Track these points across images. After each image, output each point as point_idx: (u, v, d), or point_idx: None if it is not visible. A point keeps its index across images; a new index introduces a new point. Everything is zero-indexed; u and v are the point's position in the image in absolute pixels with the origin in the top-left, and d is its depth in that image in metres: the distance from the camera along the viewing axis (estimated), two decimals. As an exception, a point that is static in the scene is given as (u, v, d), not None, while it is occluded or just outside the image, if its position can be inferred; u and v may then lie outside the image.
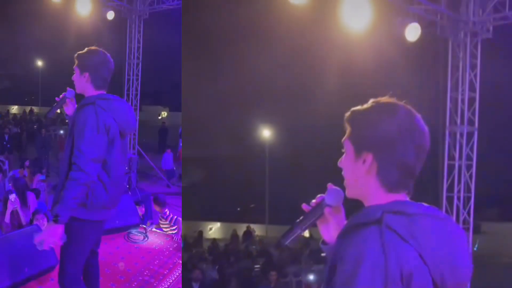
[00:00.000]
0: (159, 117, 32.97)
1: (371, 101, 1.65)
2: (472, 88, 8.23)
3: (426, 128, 1.58)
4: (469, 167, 8.38)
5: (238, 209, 23.37)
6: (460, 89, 8.25)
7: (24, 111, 26.01)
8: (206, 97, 19.59)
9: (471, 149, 8.34)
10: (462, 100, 8.22)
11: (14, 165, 13.67)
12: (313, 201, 1.78)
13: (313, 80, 18.89)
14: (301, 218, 1.76)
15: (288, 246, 9.70)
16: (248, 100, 20.64)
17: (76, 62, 3.50)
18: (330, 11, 7.00)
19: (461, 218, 8.37)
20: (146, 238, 7.01)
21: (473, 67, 8.14)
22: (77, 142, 3.26)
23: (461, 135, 8.34)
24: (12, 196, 6.62)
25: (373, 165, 1.56)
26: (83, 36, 16.01)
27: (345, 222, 1.68)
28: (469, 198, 8.39)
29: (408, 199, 1.58)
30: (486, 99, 8.34)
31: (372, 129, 1.57)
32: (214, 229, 21.70)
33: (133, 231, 7.13)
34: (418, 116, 1.59)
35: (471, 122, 8.34)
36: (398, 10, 7.25)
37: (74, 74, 3.53)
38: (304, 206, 1.79)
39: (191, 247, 14.16)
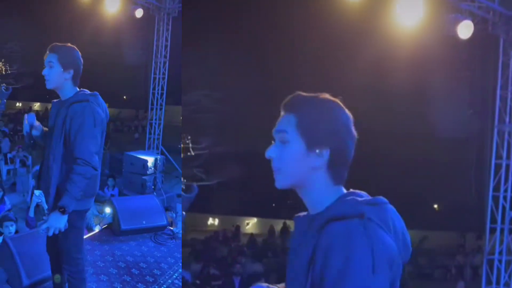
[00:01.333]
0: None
1: (309, 94, 1.65)
2: None
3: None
4: None
5: (273, 205, 23.52)
6: (510, 88, 8.00)
7: (46, 108, 26.11)
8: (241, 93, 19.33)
9: None
10: None
11: (37, 161, 13.58)
12: None
13: (360, 79, 18.84)
14: None
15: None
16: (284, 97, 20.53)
17: (59, 58, 3.56)
18: (381, 8, 6.77)
19: (507, 218, 8.12)
20: (174, 240, 6.73)
21: None
22: (78, 138, 3.46)
23: (510, 134, 8.11)
24: (37, 191, 6.39)
25: (327, 160, 1.58)
26: (110, 34, 15.97)
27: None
28: None
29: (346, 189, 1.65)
30: None
31: (330, 123, 1.59)
32: (251, 224, 21.75)
33: (160, 232, 6.87)
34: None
35: None
36: (450, 7, 7.07)
37: (52, 68, 3.57)
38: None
39: (230, 242, 13.98)
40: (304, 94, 1.65)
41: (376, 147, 21.33)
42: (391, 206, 1.60)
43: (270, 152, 1.64)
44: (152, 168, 11.28)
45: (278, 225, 17.79)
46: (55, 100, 3.86)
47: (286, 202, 23.39)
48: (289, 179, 1.63)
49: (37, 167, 10.20)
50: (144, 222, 6.88)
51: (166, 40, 13.55)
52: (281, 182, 1.65)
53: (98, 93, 3.77)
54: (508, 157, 8.13)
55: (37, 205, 6.48)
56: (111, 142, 17.20)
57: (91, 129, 3.49)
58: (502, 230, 8.10)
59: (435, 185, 20.88)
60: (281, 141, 1.62)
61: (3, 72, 28.74)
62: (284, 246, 13.22)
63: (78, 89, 3.70)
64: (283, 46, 19.53)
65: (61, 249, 3.80)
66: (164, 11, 13.33)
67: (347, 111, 1.63)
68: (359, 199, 1.56)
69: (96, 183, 3.74)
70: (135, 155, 11.97)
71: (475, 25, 7.12)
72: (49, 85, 3.64)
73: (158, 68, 13.55)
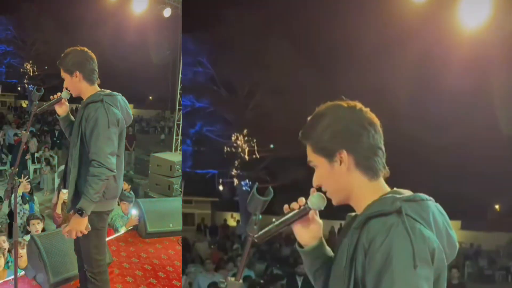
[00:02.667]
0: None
1: (314, 113, 1.73)
2: None
3: (365, 108, 1.70)
4: None
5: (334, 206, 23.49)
6: None
7: (72, 109, 26.13)
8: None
9: None
10: None
11: (62, 161, 13.55)
12: (295, 203, 1.78)
13: (422, 77, 18.75)
14: (281, 219, 1.78)
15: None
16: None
17: (61, 68, 3.61)
18: (444, 8, 6.52)
19: None
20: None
21: None
22: (92, 139, 3.43)
23: None
24: (65, 190, 6.33)
25: (350, 160, 1.65)
26: (137, 34, 15.94)
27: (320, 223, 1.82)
28: None
29: (386, 185, 1.69)
30: None
31: (331, 128, 1.66)
32: None
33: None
34: (356, 103, 1.71)
35: None
36: None
37: (65, 81, 3.63)
38: (285, 207, 1.80)
39: (292, 242, 14.20)
40: (309, 118, 1.75)
41: (438, 145, 21.24)
42: (432, 203, 1.62)
43: (314, 182, 1.75)
44: (179, 170, 11.14)
45: (338, 226, 17.76)
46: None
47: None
48: (336, 195, 1.72)
49: (62, 167, 10.17)
50: (171, 225, 6.76)
51: None
52: (333, 200, 1.73)
53: (117, 93, 3.72)
54: None
55: (64, 203, 6.42)
56: (136, 143, 17.15)
57: (105, 130, 3.43)
58: None
59: (496, 185, 20.89)
60: (315, 167, 1.74)
61: (31, 74, 29.12)
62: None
63: (98, 89, 3.67)
64: (345, 47, 19.52)
65: (82, 250, 3.77)
66: None
67: (350, 105, 1.69)
68: (398, 195, 1.59)
69: (118, 184, 3.68)
70: (162, 156, 11.83)
71: None
72: (74, 94, 3.71)
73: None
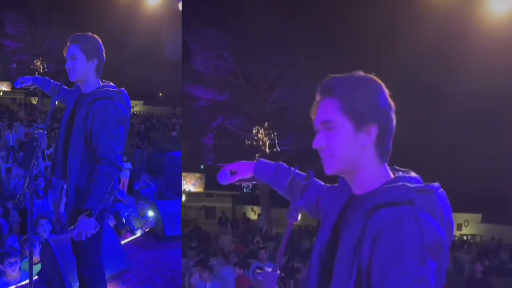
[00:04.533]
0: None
1: (343, 74, 1.61)
2: None
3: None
4: None
5: None
6: None
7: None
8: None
9: None
10: None
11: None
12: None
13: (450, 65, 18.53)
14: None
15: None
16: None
17: (80, 46, 3.36)
18: None
19: None
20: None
21: None
22: (101, 137, 3.29)
23: None
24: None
25: (374, 137, 1.56)
26: (151, 27, 15.62)
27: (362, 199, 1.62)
28: None
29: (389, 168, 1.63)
30: None
31: (372, 99, 1.56)
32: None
33: None
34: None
35: None
36: None
37: (75, 60, 3.35)
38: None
39: (312, 236, 14.38)
40: (337, 75, 1.62)
41: (459, 139, 21.03)
42: (441, 192, 1.57)
43: (318, 142, 1.60)
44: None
45: None
46: (67, 88, 3.73)
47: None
48: (340, 163, 1.60)
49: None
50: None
51: None
52: (332, 167, 1.60)
53: (123, 90, 3.55)
54: None
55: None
56: (148, 141, 16.86)
57: (114, 128, 3.32)
58: None
59: None
60: (327, 128, 1.59)
61: (41, 70, 28.92)
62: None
63: (101, 82, 3.51)
64: (369, 39, 19.28)
65: (80, 251, 3.62)
66: None
67: (382, 84, 1.60)
68: (410, 185, 1.52)
69: (115, 182, 3.55)
70: (178, 155, 11.50)
71: None
72: (73, 77, 3.41)
73: None
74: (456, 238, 19.97)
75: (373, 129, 1.56)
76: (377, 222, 1.47)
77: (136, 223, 7.17)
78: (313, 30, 19.28)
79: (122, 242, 5.82)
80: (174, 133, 22.00)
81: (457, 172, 20.87)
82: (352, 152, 1.58)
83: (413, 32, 17.64)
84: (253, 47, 19.00)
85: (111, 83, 3.53)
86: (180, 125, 21.51)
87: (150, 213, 7.08)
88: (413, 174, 1.64)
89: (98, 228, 3.33)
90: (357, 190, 1.64)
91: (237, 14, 19.27)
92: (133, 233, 6.97)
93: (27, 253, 4.96)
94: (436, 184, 1.59)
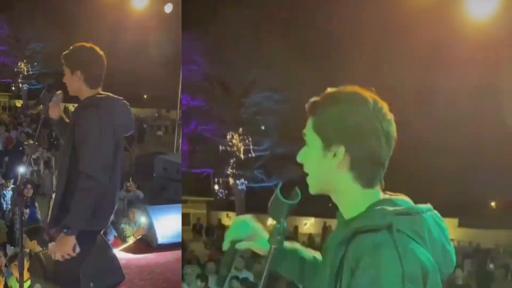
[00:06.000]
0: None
1: (331, 90, 1.53)
2: None
3: (392, 117, 1.50)
4: None
5: (330, 205, 23.90)
6: None
7: (67, 109, 25.75)
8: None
9: None
10: None
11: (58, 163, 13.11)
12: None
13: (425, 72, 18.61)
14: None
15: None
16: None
17: (64, 62, 3.28)
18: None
19: None
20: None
21: None
22: (82, 149, 3.11)
23: None
24: None
25: (346, 159, 1.46)
26: (138, 30, 15.55)
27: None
28: None
29: (383, 193, 1.51)
30: None
31: (342, 119, 1.45)
32: (308, 224, 22.18)
33: None
34: (385, 104, 1.50)
35: None
36: None
37: (65, 76, 3.30)
38: None
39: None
40: (327, 92, 1.54)
41: (437, 142, 21.09)
42: (430, 214, 1.47)
43: (299, 156, 1.56)
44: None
45: (334, 224, 18.02)
46: None
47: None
48: (316, 183, 1.54)
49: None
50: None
51: None
52: (311, 187, 1.55)
53: (118, 98, 3.36)
54: None
55: None
56: (135, 143, 16.73)
57: (96, 139, 3.09)
58: None
59: (494, 182, 20.81)
60: (306, 145, 1.55)
61: (25, 73, 28.63)
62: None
63: (99, 92, 3.30)
64: (345, 43, 19.35)
65: (65, 272, 3.39)
66: None
67: (376, 103, 1.47)
68: (389, 208, 1.42)
69: (111, 201, 3.34)
70: (168, 158, 11.33)
71: None
72: (70, 92, 3.35)
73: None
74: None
75: (340, 151, 1.46)
76: (354, 251, 1.39)
77: (127, 231, 7.10)
78: (288, 35, 19.28)
79: (114, 251, 5.74)
80: (159, 132, 22.08)
81: (434, 176, 21.09)
82: (324, 172, 1.51)
83: (392, 36, 17.76)
84: (226, 51, 18.96)
85: (110, 94, 3.34)
86: (166, 127, 21.52)
87: (142, 220, 7.01)
88: (402, 197, 1.52)
89: (78, 251, 3.10)
90: (345, 214, 1.55)
91: (211, 19, 19.18)
92: (124, 241, 6.90)
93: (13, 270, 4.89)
94: (425, 205, 1.49)
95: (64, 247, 3.05)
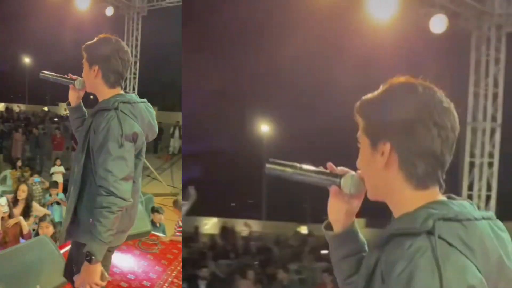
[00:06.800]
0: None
1: (383, 85, 1.41)
2: (495, 83, 7.93)
3: (451, 106, 1.33)
4: (490, 165, 8.08)
5: (233, 204, 23.55)
6: (482, 84, 7.95)
7: (7, 108, 25.33)
8: (205, 94, 19.56)
9: (493, 146, 8.05)
10: (485, 96, 7.93)
11: (3, 165, 13.36)
12: (333, 167, 1.54)
13: (329, 73, 18.82)
14: (306, 167, 1.53)
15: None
16: (247, 96, 20.66)
17: (84, 55, 2.86)
18: (354, 3, 6.76)
19: None
20: (159, 247, 6.58)
21: (496, 61, 7.84)
22: (100, 158, 2.71)
23: (483, 131, 8.03)
24: (3, 200, 5.99)
25: (393, 157, 1.33)
26: (79, 32, 15.66)
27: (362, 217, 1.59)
28: (489, 197, 8.11)
29: (440, 195, 1.34)
30: (511, 95, 8.07)
31: (386, 114, 1.34)
32: (210, 225, 21.13)
33: (145, 238, 6.73)
34: (441, 92, 1.34)
35: (493, 118, 8.04)
36: (423, 0, 7.04)
37: (84, 70, 2.89)
38: (329, 164, 1.55)
39: (189, 243, 14.15)
40: (378, 91, 1.42)
41: (347, 141, 21.54)
42: (487, 222, 1.30)
43: (357, 162, 1.48)
44: None
45: (239, 224, 17.78)
46: None
47: (247, 202, 23.69)
48: (370, 189, 1.46)
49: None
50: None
51: (136, 40, 13.53)
52: (368, 193, 1.48)
53: (140, 100, 2.96)
54: (482, 155, 8.07)
55: (3, 218, 6.08)
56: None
57: (115, 148, 2.69)
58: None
59: None
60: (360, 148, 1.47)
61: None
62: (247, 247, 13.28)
63: (118, 92, 2.90)
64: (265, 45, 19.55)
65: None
66: (134, 10, 13.31)
67: (427, 91, 1.33)
68: (434, 211, 1.27)
69: (130, 215, 2.98)
70: None
71: (448, 19, 7.13)
72: (87, 89, 3.01)
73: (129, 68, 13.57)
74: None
75: (385, 148, 1.34)
76: (388, 254, 1.27)
77: None
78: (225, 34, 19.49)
79: (62, 251, 5.91)
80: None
81: None
82: (375, 175, 1.40)
83: (292, 36, 18.05)
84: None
85: (132, 94, 2.97)
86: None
87: None
88: (464, 201, 1.35)
89: (108, 280, 2.87)
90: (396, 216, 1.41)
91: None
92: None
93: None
94: (480, 212, 1.31)
95: (91, 278, 2.73)
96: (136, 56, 13.49)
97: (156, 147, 17.81)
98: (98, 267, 2.72)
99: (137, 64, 13.55)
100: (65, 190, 11.70)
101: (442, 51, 8.03)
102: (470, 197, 8.02)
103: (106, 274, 2.82)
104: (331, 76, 18.51)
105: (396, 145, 1.32)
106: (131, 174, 2.76)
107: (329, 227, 1.61)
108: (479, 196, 8.11)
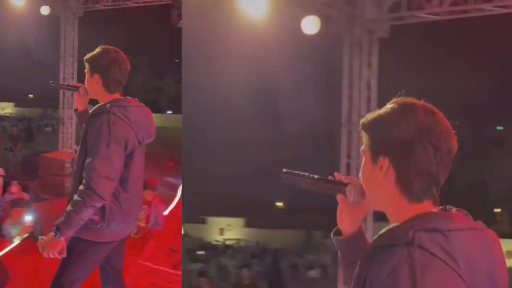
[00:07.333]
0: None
1: (388, 104, 1.51)
2: (368, 87, 8.07)
3: (449, 128, 1.44)
4: None
5: None
6: (356, 87, 8.07)
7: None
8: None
9: None
10: (359, 98, 8.04)
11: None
12: (340, 176, 1.68)
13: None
14: (316, 179, 1.69)
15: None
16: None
17: (86, 65, 3.26)
18: (225, 3, 6.81)
19: None
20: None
21: (369, 65, 8.00)
22: (89, 155, 3.00)
23: (359, 133, 7.99)
24: None
25: (391, 172, 1.45)
26: (17, 29, 15.66)
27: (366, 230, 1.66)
28: None
29: (434, 208, 1.44)
30: (384, 98, 8.26)
31: (387, 131, 1.45)
32: None
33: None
34: (440, 115, 1.45)
35: None
36: (295, 2, 7.10)
37: (86, 78, 3.29)
38: (336, 174, 1.69)
39: None
40: (383, 109, 1.52)
41: (219, 143, 20.90)
42: (471, 234, 1.36)
43: (359, 174, 1.58)
44: (70, 168, 11.02)
45: None
46: None
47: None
48: (370, 200, 1.56)
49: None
50: None
51: (73, 40, 13.57)
52: (368, 203, 1.58)
53: (135, 102, 3.27)
54: (358, 157, 7.93)
55: None
56: (22, 143, 16.80)
57: (103, 148, 2.96)
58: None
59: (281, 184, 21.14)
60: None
61: None
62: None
63: (117, 98, 3.23)
64: None
65: (59, 267, 3.31)
66: (70, 10, 13.35)
67: (427, 114, 1.43)
68: (417, 222, 1.35)
69: (126, 212, 3.19)
70: (52, 156, 11.71)
71: (321, 22, 7.20)
72: (90, 96, 3.37)
73: (66, 67, 13.54)
74: (221, 243, 20.25)
75: (384, 163, 1.46)
76: (373, 266, 1.34)
77: (13, 231, 7.07)
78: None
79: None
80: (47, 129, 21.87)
81: (219, 176, 21.32)
82: (375, 188, 1.51)
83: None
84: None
85: (129, 98, 3.27)
86: (53, 126, 21.47)
87: (27, 218, 7.09)
88: (456, 212, 1.43)
89: (64, 255, 3.07)
90: None
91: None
92: (11, 241, 6.96)
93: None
94: (459, 221, 1.38)
95: (52, 248, 3.00)
96: (73, 57, 13.52)
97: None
98: (61, 242, 2.99)
99: (75, 65, 13.53)
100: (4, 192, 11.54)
101: (316, 53, 8.12)
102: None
103: (65, 250, 3.06)
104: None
105: (394, 161, 1.43)
106: (116, 175, 3.03)
107: (338, 233, 1.69)
108: (356, 197, 8.17)
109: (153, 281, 5.62)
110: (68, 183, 10.73)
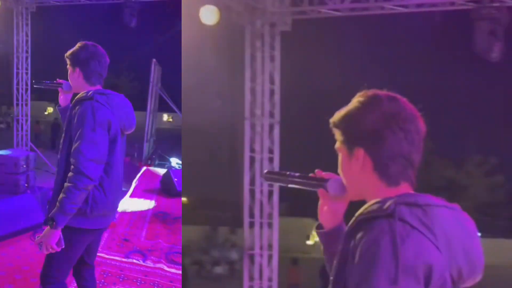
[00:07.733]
0: (46, 113, 33.98)
1: (353, 98, 1.60)
2: (271, 80, 8.02)
3: (414, 111, 1.54)
4: (271, 160, 8.10)
5: None
6: (259, 80, 7.99)
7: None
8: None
9: (273, 142, 8.09)
10: (262, 92, 7.97)
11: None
12: (320, 173, 1.72)
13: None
14: (298, 176, 1.75)
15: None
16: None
17: (68, 61, 3.38)
18: None
19: (266, 212, 8.08)
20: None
21: (272, 58, 7.94)
22: (75, 142, 3.07)
23: (262, 127, 8.04)
24: None
25: (367, 160, 1.53)
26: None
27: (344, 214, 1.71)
28: (272, 192, 8.11)
29: (411, 191, 1.52)
30: (287, 92, 8.27)
31: (358, 124, 1.54)
32: None
33: (39, 229, 6.48)
34: (403, 100, 1.55)
35: (271, 115, 8.08)
36: None
37: (68, 73, 3.42)
38: (317, 171, 1.73)
39: None
40: (349, 105, 1.60)
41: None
42: (449, 210, 1.45)
43: (338, 169, 1.65)
44: (24, 166, 10.67)
45: None
46: None
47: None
48: (350, 190, 1.63)
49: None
50: (22, 223, 6.60)
51: (27, 35, 13.36)
52: (349, 194, 1.65)
53: (116, 93, 3.38)
54: (262, 151, 8.05)
55: None
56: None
57: (88, 132, 3.07)
58: (261, 224, 8.10)
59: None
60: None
61: None
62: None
63: (98, 89, 3.36)
64: None
65: (45, 260, 3.38)
66: (23, 5, 13.11)
67: (391, 101, 1.53)
68: (397, 198, 1.42)
69: (108, 199, 3.29)
70: (4, 154, 11.12)
71: (221, 11, 7.16)
72: (73, 89, 3.49)
73: (20, 63, 13.37)
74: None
75: (359, 153, 1.54)
76: (355, 239, 1.41)
77: None
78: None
79: None
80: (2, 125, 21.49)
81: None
82: (353, 178, 1.59)
83: None
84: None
85: (108, 90, 3.38)
86: (8, 123, 21.15)
87: None
88: (430, 196, 1.49)
89: (62, 246, 3.10)
90: None
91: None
92: None
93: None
94: (437, 200, 1.47)
95: (49, 240, 3.04)
96: (27, 52, 13.41)
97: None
98: (57, 233, 3.03)
99: (29, 60, 13.44)
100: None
101: (217, 44, 8.05)
102: (252, 192, 8.12)
103: (62, 241, 3.07)
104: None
105: (369, 150, 1.52)
106: (103, 158, 3.12)
107: (320, 227, 1.75)
108: (261, 192, 8.09)
109: (107, 270, 5.90)
110: (23, 181, 10.67)
